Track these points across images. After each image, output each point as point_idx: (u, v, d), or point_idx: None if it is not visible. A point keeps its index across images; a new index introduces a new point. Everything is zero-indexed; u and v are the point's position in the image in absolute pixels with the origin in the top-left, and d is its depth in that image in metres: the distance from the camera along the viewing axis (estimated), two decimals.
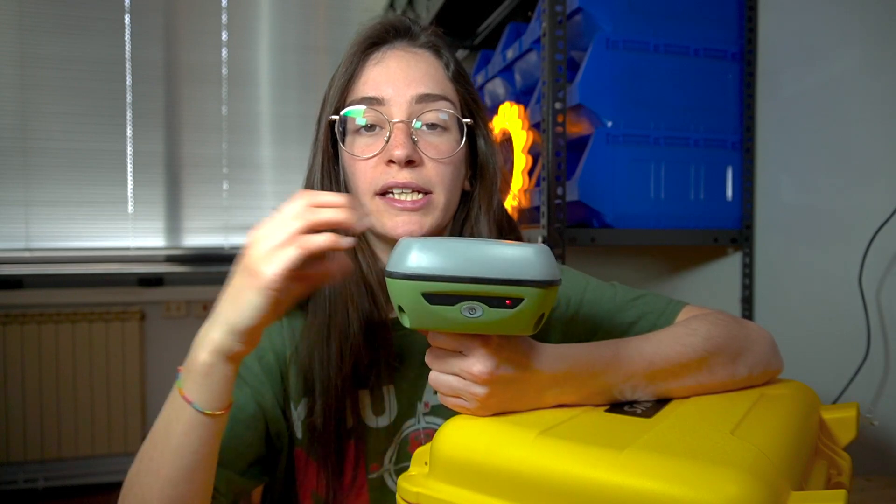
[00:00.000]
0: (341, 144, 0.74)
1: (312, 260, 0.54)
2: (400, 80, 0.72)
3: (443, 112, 0.73)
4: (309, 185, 0.76)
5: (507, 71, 1.66)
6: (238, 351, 0.56)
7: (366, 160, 0.72)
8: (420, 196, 0.71)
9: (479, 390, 0.56)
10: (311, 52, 3.07)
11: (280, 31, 3.03)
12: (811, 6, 1.25)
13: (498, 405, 0.57)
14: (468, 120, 0.76)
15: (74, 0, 2.76)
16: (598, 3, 1.31)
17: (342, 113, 0.73)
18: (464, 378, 0.56)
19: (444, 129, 0.74)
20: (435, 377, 0.59)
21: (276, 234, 0.53)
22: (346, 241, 0.55)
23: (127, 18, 2.82)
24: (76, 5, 2.76)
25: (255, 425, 0.70)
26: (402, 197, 0.71)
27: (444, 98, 0.74)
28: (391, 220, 0.71)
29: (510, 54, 1.61)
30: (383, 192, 0.71)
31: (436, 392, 0.60)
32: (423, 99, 0.72)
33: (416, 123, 0.72)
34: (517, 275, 0.51)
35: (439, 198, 0.72)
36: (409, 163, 0.70)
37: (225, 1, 2.94)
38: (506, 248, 0.52)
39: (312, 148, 0.77)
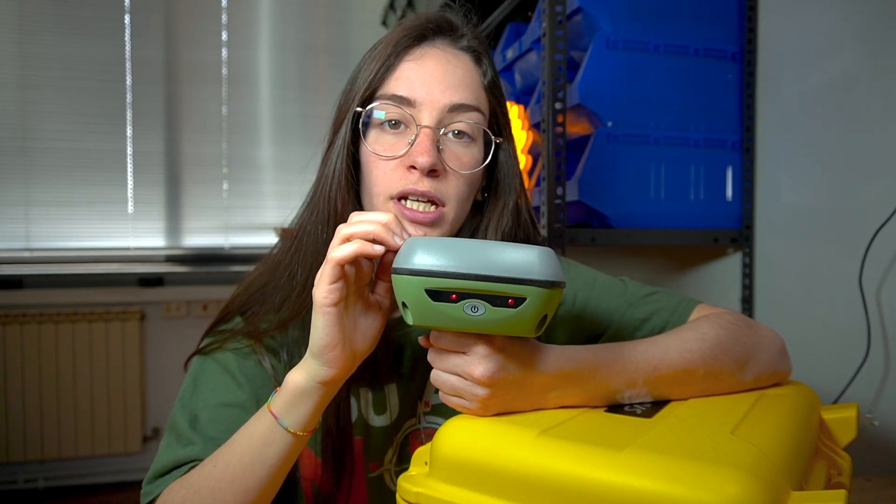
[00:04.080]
0: (363, 140, 0.70)
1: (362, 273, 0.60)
2: (435, 84, 0.69)
3: (473, 123, 0.70)
4: (325, 179, 0.72)
5: (507, 71, 1.66)
6: (325, 375, 0.59)
7: (386, 160, 0.69)
8: (433, 208, 0.69)
9: (481, 391, 0.55)
10: (311, 52, 3.07)
11: (280, 32, 3.03)
12: (811, 6, 1.25)
13: (499, 406, 0.57)
14: (499, 139, 0.74)
15: (74, 0, 2.76)
16: (598, 3, 1.31)
17: (367, 108, 0.70)
18: (465, 378, 0.56)
19: (472, 139, 0.71)
20: (436, 375, 0.59)
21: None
22: (376, 248, 0.56)
23: (127, 18, 2.82)
24: (76, 5, 2.76)
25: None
26: (416, 206, 0.68)
27: (477, 110, 0.71)
28: None
29: (510, 54, 1.61)
30: (399, 198, 0.69)
31: (436, 391, 0.60)
32: (456, 108, 0.69)
33: (442, 131, 0.69)
34: (520, 274, 0.51)
35: (450, 212, 0.70)
36: (431, 172, 0.68)
37: (225, 1, 2.94)
38: (510, 248, 0.53)
39: (330, 138, 0.73)
